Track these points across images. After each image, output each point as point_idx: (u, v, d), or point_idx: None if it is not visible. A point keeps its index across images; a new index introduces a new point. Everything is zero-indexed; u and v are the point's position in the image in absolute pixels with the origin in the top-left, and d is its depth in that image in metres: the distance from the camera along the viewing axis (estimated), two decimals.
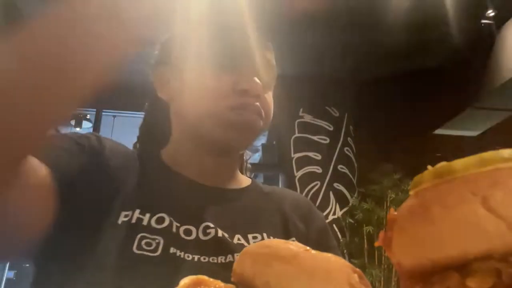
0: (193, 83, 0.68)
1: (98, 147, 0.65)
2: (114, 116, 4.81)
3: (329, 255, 0.23)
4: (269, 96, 0.72)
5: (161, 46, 0.78)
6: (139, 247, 0.56)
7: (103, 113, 4.43)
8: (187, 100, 0.69)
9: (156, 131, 0.80)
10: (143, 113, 0.89)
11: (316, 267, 0.22)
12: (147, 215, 0.60)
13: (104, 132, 4.45)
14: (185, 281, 0.24)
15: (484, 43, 3.46)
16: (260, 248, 0.24)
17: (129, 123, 4.69)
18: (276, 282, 0.22)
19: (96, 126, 4.33)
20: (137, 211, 0.60)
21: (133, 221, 0.58)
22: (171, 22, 0.73)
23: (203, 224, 0.63)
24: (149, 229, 0.58)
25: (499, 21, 3.37)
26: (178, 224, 0.61)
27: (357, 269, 0.23)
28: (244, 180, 0.78)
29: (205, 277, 0.25)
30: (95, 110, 4.43)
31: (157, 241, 0.57)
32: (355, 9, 3.07)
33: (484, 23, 3.34)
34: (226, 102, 0.65)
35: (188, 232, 0.61)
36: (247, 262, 0.24)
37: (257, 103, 0.67)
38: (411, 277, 0.21)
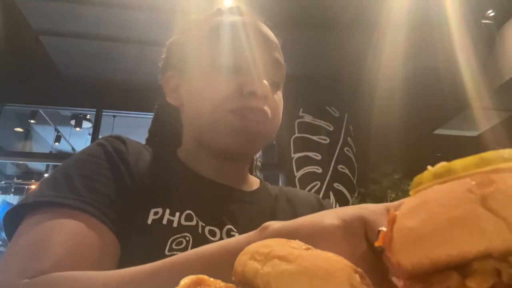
0: (201, 88, 0.67)
1: (124, 150, 0.64)
2: (114, 116, 4.81)
3: (331, 254, 0.23)
4: (278, 96, 0.70)
5: (167, 50, 0.76)
6: (170, 248, 0.56)
7: (103, 113, 4.43)
8: (194, 106, 0.68)
9: (168, 134, 0.79)
10: (145, 113, 0.89)
11: (317, 267, 0.22)
12: (177, 214, 0.60)
13: (104, 132, 4.45)
14: (185, 280, 0.24)
15: (484, 43, 3.46)
16: (261, 248, 0.25)
17: (129, 123, 4.68)
18: (277, 282, 0.22)
19: (96, 126, 4.32)
20: (167, 211, 0.59)
21: (164, 222, 0.58)
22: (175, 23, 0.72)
23: (227, 227, 0.62)
24: (179, 228, 0.58)
25: (499, 21, 3.37)
26: (203, 224, 0.61)
27: (359, 269, 0.23)
28: (254, 181, 0.78)
29: (205, 277, 0.25)
30: (95, 110, 4.43)
31: (187, 238, 0.57)
32: (357, 9, 3.07)
33: (484, 23, 3.34)
34: (229, 105, 0.63)
35: (212, 233, 0.61)
36: (248, 261, 0.24)
37: (265, 107, 0.65)
38: (411, 277, 0.21)
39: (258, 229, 0.42)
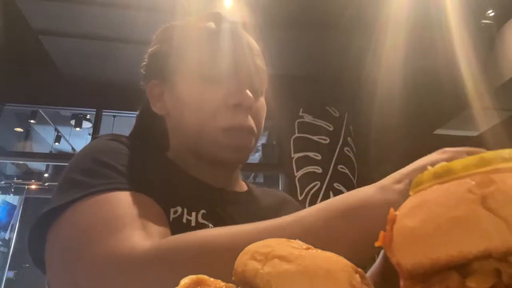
0: (187, 98, 0.67)
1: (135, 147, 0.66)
2: (114, 116, 4.80)
3: (331, 254, 0.23)
4: (261, 102, 0.71)
5: (149, 58, 0.76)
6: None
7: (103, 113, 4.43)
8: (181, 116, 0.68)
9: (155, 139, 0.79)
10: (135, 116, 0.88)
11: (317, 267, 0.22)
12: (193, 214, 0.61)
13: (104, 132, 4.44)
14: (185, 280, 0.24)
15: (484, 43, 3.46)
16: (261, 247, 0.25)
17: (129, 123, 4.67)
18: (277, 282, 0.22)
19: (96, 126, 4.32)
20: (185, 210, 0.60)
21: (184, 220, 0.59)
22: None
23: None
24: (197, 227, 0.59)
25: (499, 21, 3.37)
26: (212, 225, 0.62)
27: (359, 269, 0.23)
28: (243, 183, 0.79)
29: (205, 277, 0.25)
30: (95, 110, 4.42)
31: None
32: (357, 9, 3.07)
33: (484, 23, 3.34)
34: (218, 122, 0.64)
35: None
36: (249, 261, 0.24)
37: (249, 117, 0.65)
38: (411, 277, 0.21)
39: (377, 187, 0.48)
